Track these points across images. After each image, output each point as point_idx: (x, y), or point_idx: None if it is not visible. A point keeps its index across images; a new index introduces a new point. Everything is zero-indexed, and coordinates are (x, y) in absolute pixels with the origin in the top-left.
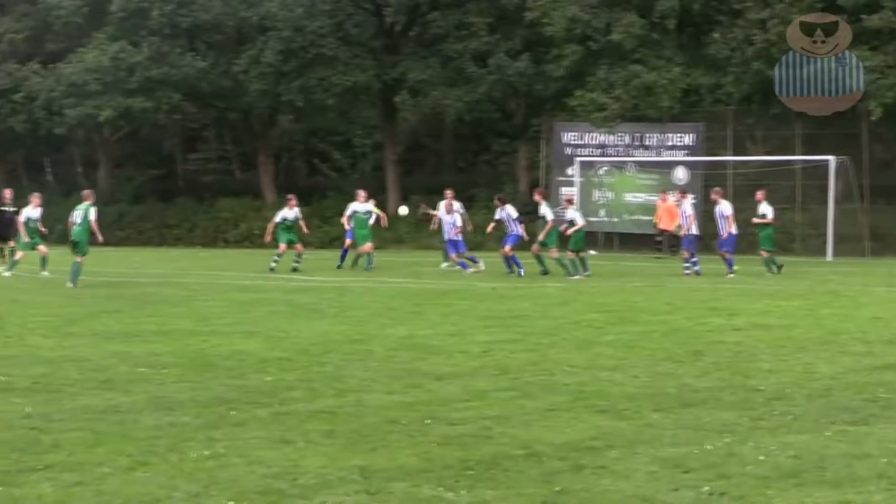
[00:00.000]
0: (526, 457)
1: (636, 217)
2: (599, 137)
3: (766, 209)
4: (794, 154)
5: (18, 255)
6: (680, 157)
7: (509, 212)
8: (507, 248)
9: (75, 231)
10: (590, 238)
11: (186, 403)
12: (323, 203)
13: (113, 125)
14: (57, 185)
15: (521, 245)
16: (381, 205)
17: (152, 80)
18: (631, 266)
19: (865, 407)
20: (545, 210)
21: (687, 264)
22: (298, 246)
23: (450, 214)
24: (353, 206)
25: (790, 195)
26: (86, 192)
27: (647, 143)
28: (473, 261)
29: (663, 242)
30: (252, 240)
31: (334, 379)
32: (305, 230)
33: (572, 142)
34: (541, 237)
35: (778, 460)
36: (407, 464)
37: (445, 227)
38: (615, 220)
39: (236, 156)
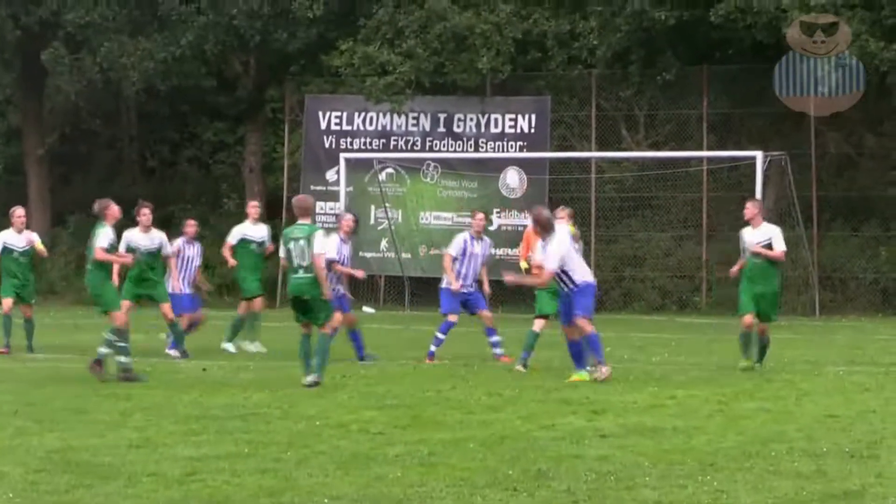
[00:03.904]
0: None
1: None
2: (380, 120)
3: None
4: (698, 148)
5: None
6: (513, 152)
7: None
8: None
9: None
10: (363, 286)
11: None
12: None
13: None
14: None
15: None
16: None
17: None
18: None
19: None
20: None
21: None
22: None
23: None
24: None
25: (691, 215)
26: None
27: (457, 128)
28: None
29: None
30: None
31: None
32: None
33: (336, 127)
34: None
35: None
36: None
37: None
38: (405, 255)
39: None
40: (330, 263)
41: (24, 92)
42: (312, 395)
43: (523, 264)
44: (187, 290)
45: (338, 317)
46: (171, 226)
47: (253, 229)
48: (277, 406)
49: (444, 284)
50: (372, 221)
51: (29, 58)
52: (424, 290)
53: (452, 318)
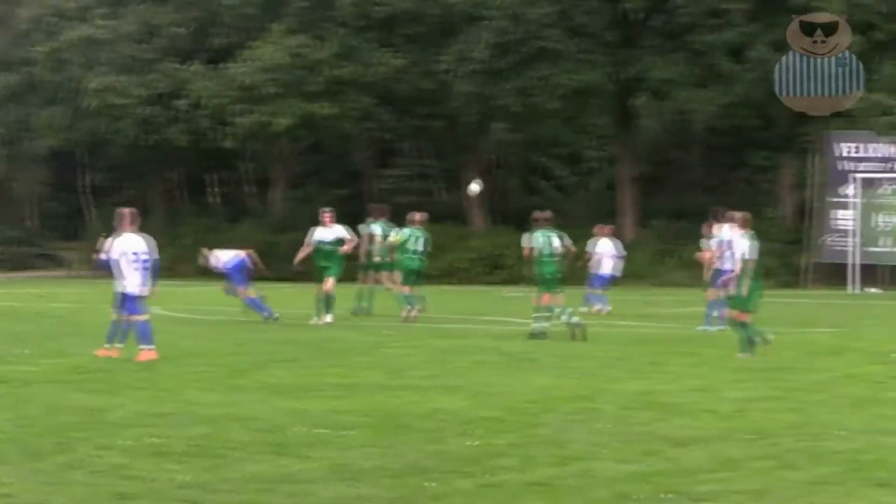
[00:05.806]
0: None
1: None
2: (884, 149)
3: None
4: None
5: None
6: None
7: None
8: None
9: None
10: (871, 272)
11: (374, 472)
12: None
13: (291, 136)
14: (222, 208)
15: None
16: (616, 231)
17: (339, 80)
18: None
19: None
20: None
21: None
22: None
23: None
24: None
25: None
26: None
27: None
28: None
29: None
30: (455, 275)
31: (554, 444)
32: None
33: (850, 155)
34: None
35: None
36: None
37: None
38: None
39: (438, 173)
40: None
41: (618, 130)
42: (828, 353)
43: None
44: None
45: None
46: None
47: None
48: (801, 362)
49: None
50: (876, 224)
51: (622, 104)
52: None
53: None
